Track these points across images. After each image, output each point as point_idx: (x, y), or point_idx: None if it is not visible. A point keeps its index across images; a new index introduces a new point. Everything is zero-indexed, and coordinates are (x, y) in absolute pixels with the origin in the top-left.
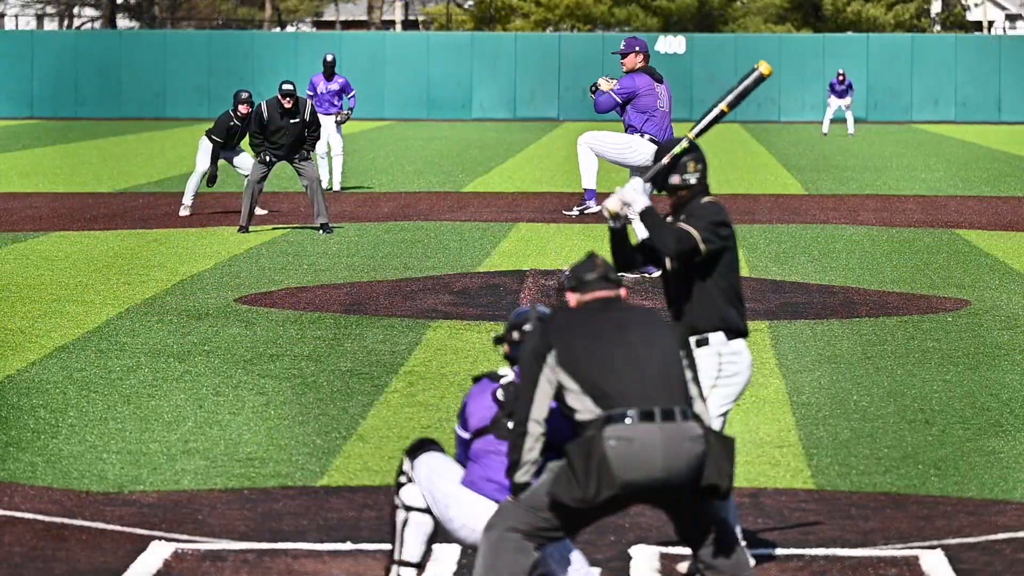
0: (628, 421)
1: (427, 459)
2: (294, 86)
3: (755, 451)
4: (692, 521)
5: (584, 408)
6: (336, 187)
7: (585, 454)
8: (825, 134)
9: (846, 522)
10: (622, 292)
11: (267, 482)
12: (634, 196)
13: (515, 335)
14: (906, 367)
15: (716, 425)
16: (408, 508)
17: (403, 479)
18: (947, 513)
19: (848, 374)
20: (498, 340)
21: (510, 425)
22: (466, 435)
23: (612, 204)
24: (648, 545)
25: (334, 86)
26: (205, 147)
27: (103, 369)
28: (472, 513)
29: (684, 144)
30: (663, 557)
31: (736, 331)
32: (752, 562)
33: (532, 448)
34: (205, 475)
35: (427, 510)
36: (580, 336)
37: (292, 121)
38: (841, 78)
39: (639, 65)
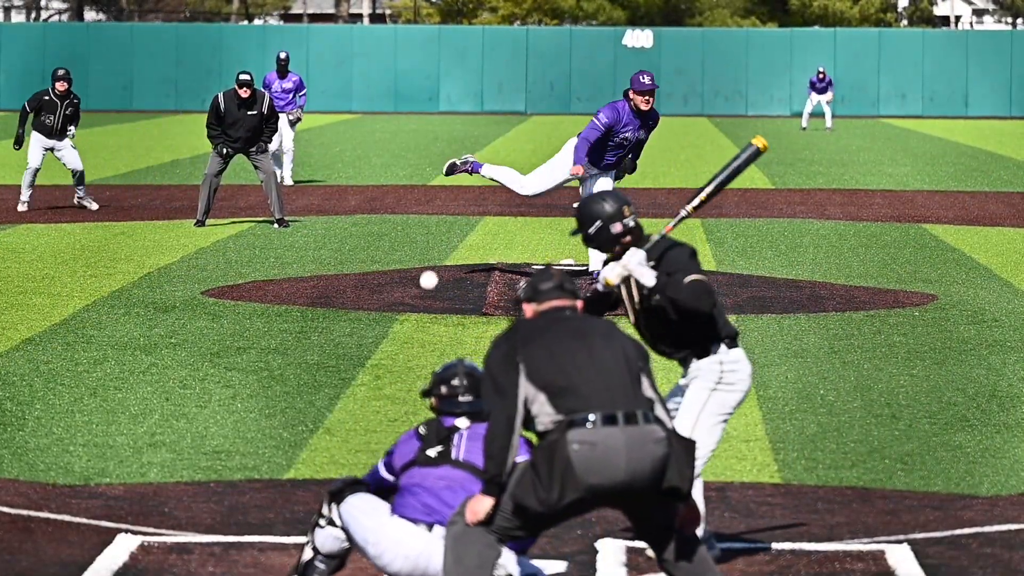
0: (590, 425)
1: (353, 501)
2: (251, 76)
3: (722, 445)
4: (654, 523)
5: (545, 415)
6: (288, 181)
7: (548, 458)
8: (804, 128)
9: (812, 516)
10: (578, 303)
11: (234, 475)
12: (643, 274)
13: (443, 389)
14: (873, 362)
15: (716, 434)
16: (316, 551)
17: (321, 521)
18: (913, 507)
19: (815, 368)
20: (425, 394)
21: (431, 453)
22: (390, 477)
23: (613, 276)
24: (614, 539)
25: (288, 84)
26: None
27: (69, 362)
28: (400, 540)
29: (683, 215)
30: (629, 551)
31: (733, 338)
32: (715, 554)
33: (512, 444)
34: (171, 468)
35: (337, 554)
36: (540, 345)
37: (249, 113)
38: (821, 76)
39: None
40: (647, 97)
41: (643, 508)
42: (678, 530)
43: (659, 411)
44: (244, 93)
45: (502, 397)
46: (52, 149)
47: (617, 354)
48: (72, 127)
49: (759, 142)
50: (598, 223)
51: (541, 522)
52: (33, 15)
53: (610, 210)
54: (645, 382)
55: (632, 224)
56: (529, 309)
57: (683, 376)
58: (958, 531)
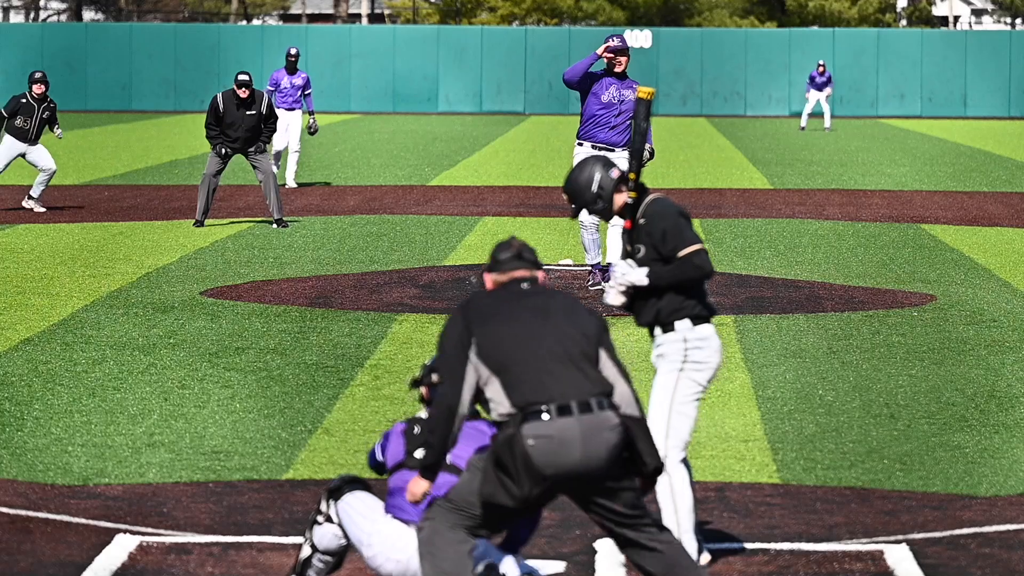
0: (545, 417)
1: (350, 500)
2: (250, 76)
3: (720, 445)
4: (617, 511)
5: (499, 403)
6: (291, 183)
7: (508, 454)
8: (803, 128)
9: (811, 516)
10: (539, 274)
11: (232, 475)
12: (632, 278)
13: (434, 378)
14: (871, 362)
15: (692, 413)
16: (315, 548)
17: (320, 518)
18: (912, 508)
19: (814, 369)
20: (416, 383)
21: (418, 455)
22: (381, 457)
23: (614, 299)
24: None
25: (298, 81)
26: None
27: (68, 362)
28: (393, 543)
29: (629, 197)
30: None
31: (702, 316)
32: (706, 558)
33: (451, 433)
34: (170, 468)
35: (335, 552)
36: (497, 324)
37: (248, 113)
38: (821, 70)
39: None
40: (619, 58)
41: (604, 494)
42: (646, 519)
43: (620, 390)
44: (243, 93)
45: (450, 384)
46: (24, 155)
47: (575, 332)
48: (57, 128)
49: (643, 93)
50: (597, 176)
51: (509, 516)
52: (32, 15)
53: (600, 164)
54: (604, 355)
55: (624, 169)
56: (490, 279)
57: (653, 348)
58: (957, 531)
